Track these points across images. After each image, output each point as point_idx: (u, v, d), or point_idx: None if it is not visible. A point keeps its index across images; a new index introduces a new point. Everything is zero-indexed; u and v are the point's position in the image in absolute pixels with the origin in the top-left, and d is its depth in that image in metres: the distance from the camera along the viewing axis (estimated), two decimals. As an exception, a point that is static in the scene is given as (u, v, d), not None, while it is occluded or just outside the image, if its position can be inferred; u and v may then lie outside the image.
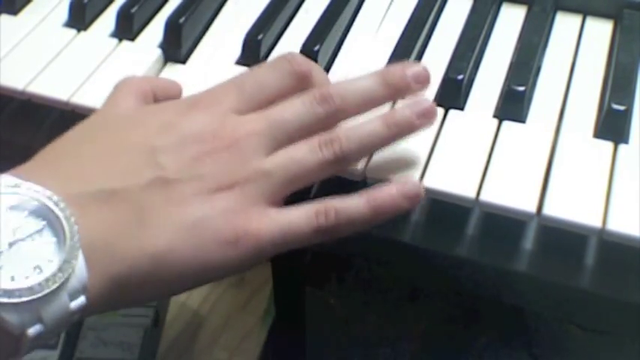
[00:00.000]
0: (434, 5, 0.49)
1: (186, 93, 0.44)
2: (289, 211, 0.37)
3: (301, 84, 0.40)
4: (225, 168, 0.36)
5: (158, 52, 0.47)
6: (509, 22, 0.49)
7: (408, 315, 0.85)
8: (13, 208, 0.33)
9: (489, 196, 0.38)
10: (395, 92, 0.40)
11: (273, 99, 0.39)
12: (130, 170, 0.36)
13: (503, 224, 0.39)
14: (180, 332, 0.87)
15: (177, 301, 0.89)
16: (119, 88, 0.41)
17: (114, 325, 0.82)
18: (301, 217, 0.37)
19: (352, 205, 0.37)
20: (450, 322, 0.83)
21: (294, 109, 0.38)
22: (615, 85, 0.42)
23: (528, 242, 0.39)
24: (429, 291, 0.85)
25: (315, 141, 0.38)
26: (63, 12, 0.50)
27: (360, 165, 0.40)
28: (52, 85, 0.45)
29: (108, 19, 0.50)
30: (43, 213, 0.33)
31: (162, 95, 0.42)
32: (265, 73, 0.40)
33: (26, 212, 0.33)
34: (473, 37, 0.46)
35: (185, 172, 0.36)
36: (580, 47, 0.46)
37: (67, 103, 0.44)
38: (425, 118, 0.39)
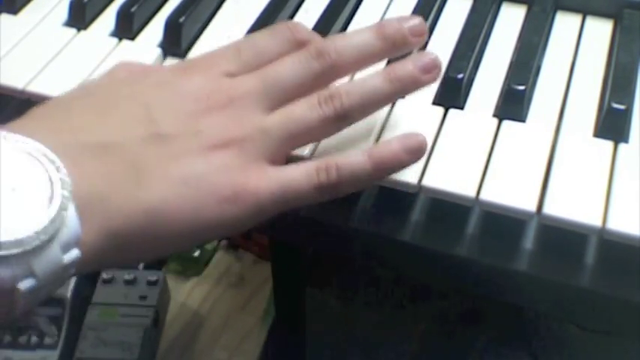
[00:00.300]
0: (434, 5, 0.49)
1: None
2: (289, 168, 0.36)
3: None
4: (222, 126, 0.36)
5: (158, 51, 0.47)
6: (509, 21, 0.49)
7: (408, 315, 0.85)
8: (1, 160, 0.31)
9: (489, 195, 0.38)
10: (392, 46, 0.39)
11: (270, 64, 0.38)
12: (125, 124, 0.35)
13: (503, 223, 0.39)
14: (180, 332, 0.87)
15: (177, 301, 0.89)
16: (115, 66, 0.41)
17: (114, 325, 0.82)
18: (302, 174, 0.36)
19: (354, 161, 0.36)
20: (450, 322, 0.83)
21: (290, 66, 0.38)
22: (615, 85, 0.42)
23: (528, 241, 0.39)
24: (429, 291, 0.85)
25: (314, 98, 0.37)
26: (63, 11, 0.50)
27: None
28: (51, 84, 0.45)
29: (108, 19, 0.50)
30: (31, 164, 0.32)
31: None
32: (264, 39, 0.39)
33: (14, 164, 0.31)
34: (473, 37, 0.46)
35: (181, 128, 0.35)
36: (580, 47, 0.46)
37: (66, 103, 0.44)
38: (428, 72, 0.38)
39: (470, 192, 0.38)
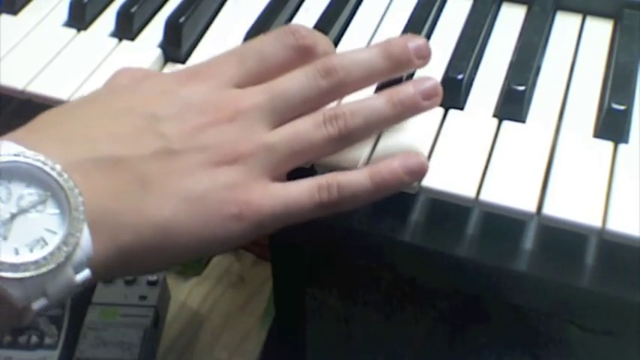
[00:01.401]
0: (434, 5, 0.49)
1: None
2: (292, 185, 0.37)
3: (305, 57, 0.39)
4: (228, 140, 0.36)
5: (158, 51, 0.47)
6: (509, 21, 0.49)
7: (408, 315, 0.85)
8: (15, 177, 0.32)
9: (489, 195, 0.38)
10: (397, 66, 0.39)
11: (274, 71, 0.38)
12: (132, 137, 0.35)
13: (503, 224, 0.39)
14: (180, 332, 0.87)
15: (177, 301, 0.89)
16: (116, 72, 0.41)
17: (114, 325, 0.82)
18: (304, 191, 0.36)
19: (355, 180, 0.37)
20: (450, 322, 0.83)
21: (297, 82, 0.38)
22: (615, 85, 0.42)
23: (528, 242, 0.39)
24: (429, 291, 0.85)
25: (319, 116, 0.37)
26: (63, 12, 0.50)
27: (360, 164, 0.40)
28: (52, 84, 0.45)
29: (108, 19, 0.50)
30: (46, 183, 0.32)
31: None
32: (268, 46, 0.39)
33: (29, 182, 0.32)
34: (473, 37, 0.46)
35: (189, 142, 0.36)
36: (580, 47, 0.46)
37: (66, 103, 0.44)
38: (429, 97, 0.38)
39: (470, 192, 0.38)
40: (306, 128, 0.37)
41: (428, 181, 0.39)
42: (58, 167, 0.32)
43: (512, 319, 0.79)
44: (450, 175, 0.39)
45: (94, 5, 0.50)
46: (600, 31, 0.48)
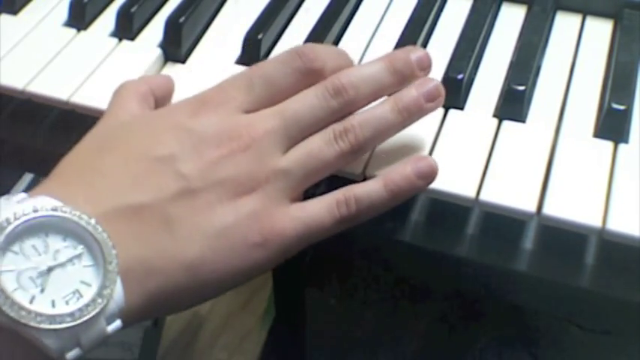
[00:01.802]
0: (434, 5, 0.49)
1: (186, 92, 0.43)
2: (310, 205, 0.37)
3: (313, 78, 0.39)
4: (245, 170, 0.36)
5: (158, 51, 0.47)
6: (509, 21, 0.49)
7: (408, 315, 0.85)
8: (52, 231, 0.33)
9: (489, 195, 0.38)
10: (402, 80, 0.39)
11: (283, 95, 0.39)
12: (152, 182, 0.36)
13: (503, 224, 0.39)
14: (180, 332, 0.87)
15: (177, 301, 0.89)
16: (119, 93, 0.41)
17: (114, 325, 0.82)
18: (322, 209, 0.37)
19: (371, 191, 0.37)
20: (450, 322, 0.83)
21: (308, 104, 0.38)
22: (615, 85, 0.42)
23: (528, 242, 0.39)
24: (429, 291, 0.85)
25: (329, 133, 0.38)
26: (63, 11, 0.50)
27: (360, 165, 0.40)
28: (51, 84, 0.45)
29: (108, 19, 0.50)
30: (81, 237, 0.33)
31: (160, 92, 0.42)
32: (275, 70, 0.39)
33: (65, 236, 0.33)
34: (473, 37, 0.46)
35: (207, 178, 0.36)
36: (580, 47, 0.46)
37: (66, 103, 0.44)
38: (432, 99, 0.39)
39: (470, 192, 0.38)
40: (319, 147, 0.37)
41: (428, 181, 0.39)
42: (93, 221, 0.33)
43: (512, 319, 0.79)
44: (450, 175, 0.39)
45: (94, 5, 0.50)
46: (600, 31, 0.48)
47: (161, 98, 0.42)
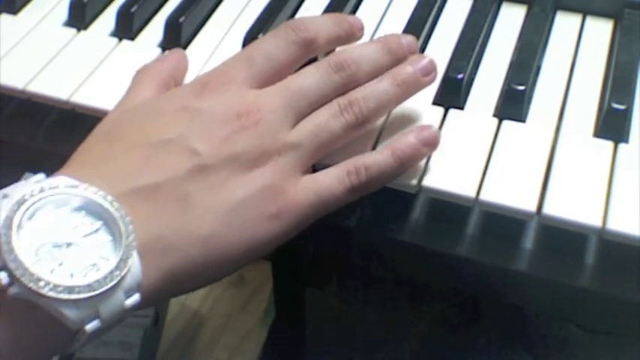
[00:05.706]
0: (434, 5, 0.49)
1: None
2: (322, 175, 0.38)
3: (309, 49, 0.41)
4: (256, 145, 0.37)
5: (158, 51, 0.47)
6: (509, 21, 0.49)
7: (408, 315, 0.85)
8: (71, 208, 0.34)
9: (489, 195, 0.38)
10: (395, 60, 0.41)
11: (282, 68, 0.40)
12: (167, 162, 0.36)
13: (503, 223, 0.39)
14: (180, 332, 0.87)
15: (177, 301, 0.89)
16: (138, 78, 0.42)
17: (114, 324, 0.82)
18: (334, 179, 0.38)
19: (380, 159, 0.38)
20: (450, 322, 0.83)
21: (312, 78, 0.39)
22: (615, 85, 0.42)
23: (528, 241, 0.39)
24: (429, 291, 0.85)
25: (334, 106, 0.39)
26: (63, 11, 0.50)
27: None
28: (51, 84, 0.45)
29: (108, 19, 0.50)
30: (99, 213, 0.34)
31: (180, 78, 0.43)
32: (271, 44, 0.40)
33: (84, 212, 0.34)
34: (473, 37, 0.46)
35: (219, 154, 0.37)
36: (580, 47, 0.46)
37: (67, 102, 0.44)
38: (428, 73, 0.40)
39: (470, 192, 0.38)
40: (327, 120, 0.39)
41: (428, 181, 0.39)
42: (110, 197, 0.34)
43: (512, 319, 0.79)
44: (450, 174, 0.39)
45: (94, 5, 0.50)
46: (600, 31, 0.48)
47: (179, 82, 0.43)
